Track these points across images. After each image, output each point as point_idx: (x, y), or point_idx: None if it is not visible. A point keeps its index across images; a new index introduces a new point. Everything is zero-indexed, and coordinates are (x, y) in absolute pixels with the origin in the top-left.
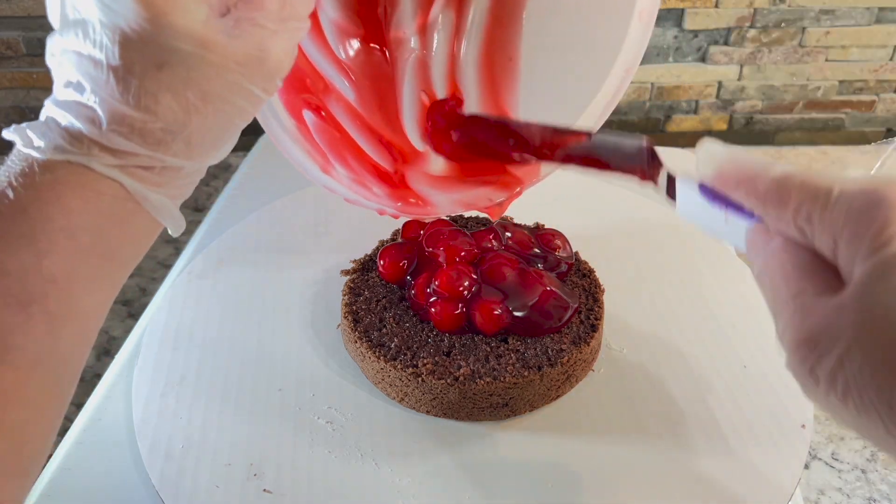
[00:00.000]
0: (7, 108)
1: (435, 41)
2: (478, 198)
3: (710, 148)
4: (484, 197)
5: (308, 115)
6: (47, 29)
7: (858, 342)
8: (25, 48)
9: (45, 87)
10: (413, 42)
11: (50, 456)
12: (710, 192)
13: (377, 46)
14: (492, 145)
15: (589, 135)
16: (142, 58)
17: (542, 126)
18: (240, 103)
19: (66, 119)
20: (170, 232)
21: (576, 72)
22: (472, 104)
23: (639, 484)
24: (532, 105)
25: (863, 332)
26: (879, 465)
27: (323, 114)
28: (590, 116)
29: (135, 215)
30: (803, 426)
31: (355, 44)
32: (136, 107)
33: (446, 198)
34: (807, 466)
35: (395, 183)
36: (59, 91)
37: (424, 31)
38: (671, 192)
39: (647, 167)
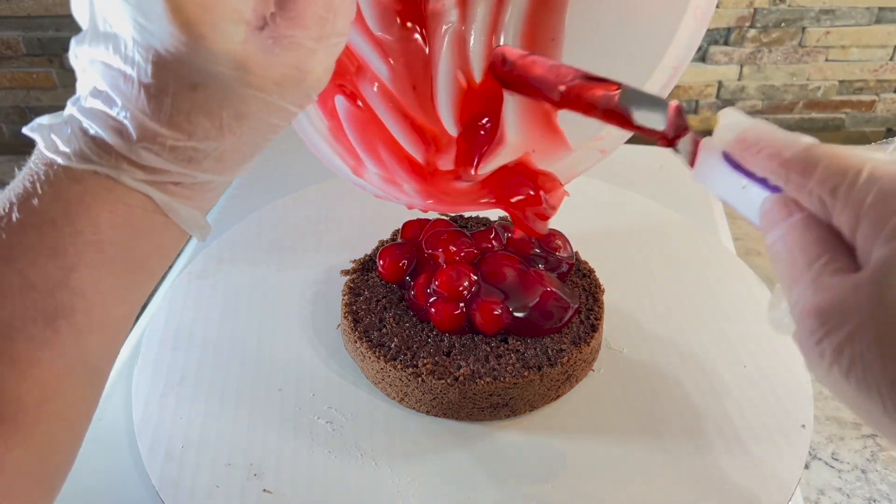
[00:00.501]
0: (7, 108)
1: (476, 14)
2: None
3: (733, 116)
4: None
5: (340, 102)
6: (47, 29)
7: (871, 320)
8: (25, 48)
9: (45, 87)
10: (452, 15)
11: None
12: (733, 160)
13: (415, 25)
14: (517, 85)
15: (620, 86)
16: (176, 78)
17: (572, 69)
18: (274, 121)
19: (92, 128)
20: (197, 240)
21: (620, 63)
22: None
23: (639, 484)
24: None
25: (877, 311)
26: (879, 465)
27: (358, 103)
28: None
29: (163, 227)
30: (803, 426)
31: (393, 20)
32: (167, 125)
33: (478, 194)
34: (807, 466)
35: (426, 176)
36: (86, 98)
37: (465, 4)
38: (692, 157)
39: (671, 131)
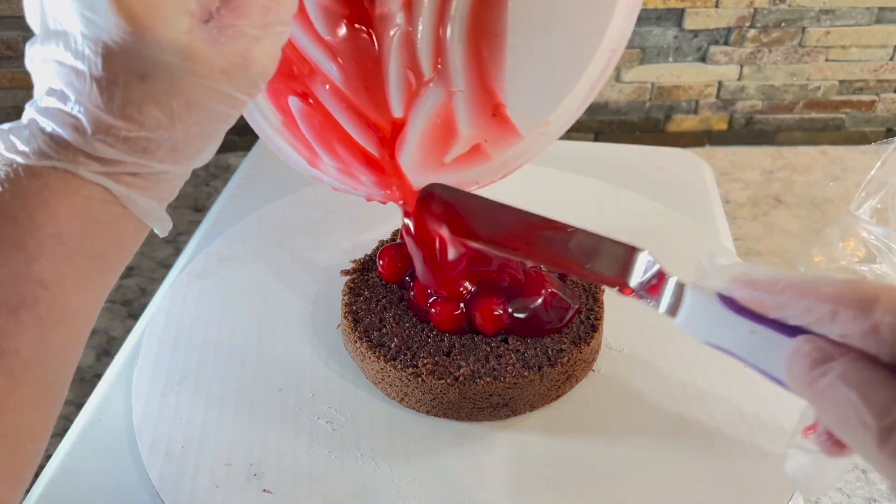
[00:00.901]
0: (7, 108)
1: (421, 16)
2: (464, 181)
3: (716, 259)
4: (471, 180)
5: (294, 102)
6: None
7: None
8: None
9: None
10: (399, 18)
11: (50, 456)
12: (732, 303)
13: (363, 27)
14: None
15: (574, 231)
16: (125, 69)
17: (520, 211)
18: (224, 109)
19: (49, 126)
20: (157, 232)
21: (562, 50)
22: (459, 81)
23: (638, 484)
24: (518, 83)
25: None
26: None
27: (311, 101)
28: (575, 97)
29: (122, 218)
30: None
31: (340, 24)
32: (120, 117)
33: (429, 179)
34: None
35: (382, 168)
36: (42, 98)
37: (410, 7)
38: (676, 304)
39: (645, 284)
